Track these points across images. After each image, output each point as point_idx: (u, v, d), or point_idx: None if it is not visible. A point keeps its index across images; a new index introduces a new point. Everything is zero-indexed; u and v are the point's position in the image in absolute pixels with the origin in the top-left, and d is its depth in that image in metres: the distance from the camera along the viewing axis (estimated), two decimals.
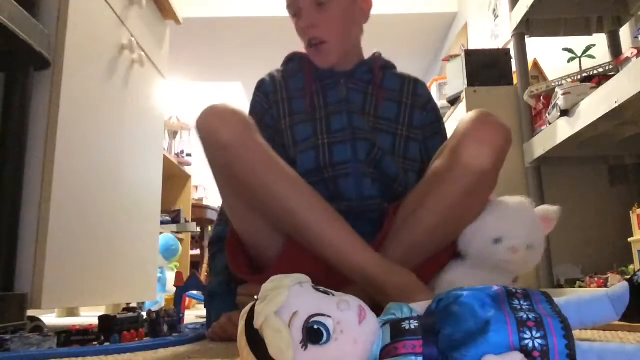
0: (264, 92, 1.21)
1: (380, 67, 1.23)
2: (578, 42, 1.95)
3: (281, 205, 0.91)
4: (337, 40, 1.15)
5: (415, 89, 1.23)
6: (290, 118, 1.16)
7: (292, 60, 1.27)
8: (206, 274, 3.49)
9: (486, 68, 2.12)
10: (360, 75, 1.20)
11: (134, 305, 1.82)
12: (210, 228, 4.33)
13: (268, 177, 0.91)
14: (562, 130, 1.61)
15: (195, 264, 4.16)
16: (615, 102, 1.28)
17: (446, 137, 1.22)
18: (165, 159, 2.48)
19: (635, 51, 1.44)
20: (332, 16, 1.13)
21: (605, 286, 1.48)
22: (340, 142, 1.10)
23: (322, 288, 0.51)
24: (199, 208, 3.89)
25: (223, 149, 0.91)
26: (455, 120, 2.17)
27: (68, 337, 1.02)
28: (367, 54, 1.27)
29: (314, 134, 1.13)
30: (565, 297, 0.52)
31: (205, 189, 5.73)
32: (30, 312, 1.18)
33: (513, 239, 0.91)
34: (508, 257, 0.91)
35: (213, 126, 0.92)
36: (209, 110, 0.94)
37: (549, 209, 0.96)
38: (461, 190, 0.91)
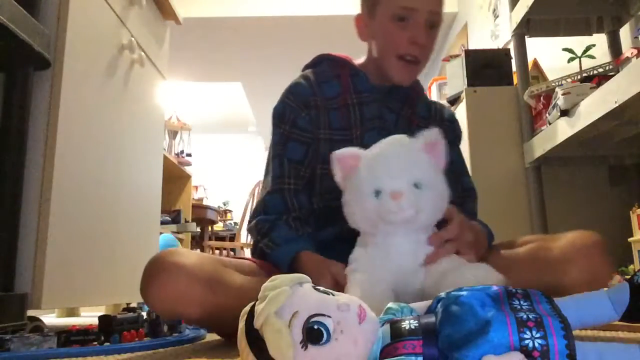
0: (298, 95, 1.14)
1: (418, 93, 1.22)
2: (578, 42, 1.95)
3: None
4: (425, 64, 1.12)
5: (442, 114, 1.23)
6: (329, 130, 1.12)
7: (322, 62, 1.21)
8: None
9: (486, 68, 2.12)
10: (397, 95, 1.16)
11: (134, 305, 1.82)
12: (210, 228, 4.33)
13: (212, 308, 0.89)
14: (562, 130, 1.61)
15: None
16: (615, 102, 1.28)
17: (460, 152, 1.23)
18: (165, 159, 2.48)
19: (635, 51, 1.44)
20: (433, 41, 1.10)
21: (606, 286, 1.47)
22: None
23: (322, 288, 0.51)
24: (199, 208, 3.89)
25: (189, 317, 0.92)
26: None
27: (68, 337, 1.02)
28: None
29: None
30: (565, 297, 0.52)
31: (205, 189, 5.74)
32: (30, 312, 1.18)
33: (390, 183, 0.77)
34: (393, 206, 0.75)
35: (154, 296, 0.88)
36: (150, 274, 0.88)
37: (426, 132, 0.83)
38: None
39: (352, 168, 0.83)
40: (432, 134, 0.82)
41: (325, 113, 1.12)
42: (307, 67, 1.23)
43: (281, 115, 1.14)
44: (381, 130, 1.10)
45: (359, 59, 1.19)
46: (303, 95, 1.13)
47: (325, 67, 1.19)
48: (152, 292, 0.87)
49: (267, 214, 1.08)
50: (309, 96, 1.13)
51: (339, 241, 0.91)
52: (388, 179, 0.77)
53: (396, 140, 0.84)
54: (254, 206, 1.15)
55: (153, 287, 0.86)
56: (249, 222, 1.13)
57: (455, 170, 1.17)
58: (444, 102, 2.55)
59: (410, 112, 1.17)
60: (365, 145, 1.02)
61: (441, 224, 0.86)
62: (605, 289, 0.53)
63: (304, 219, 1.08)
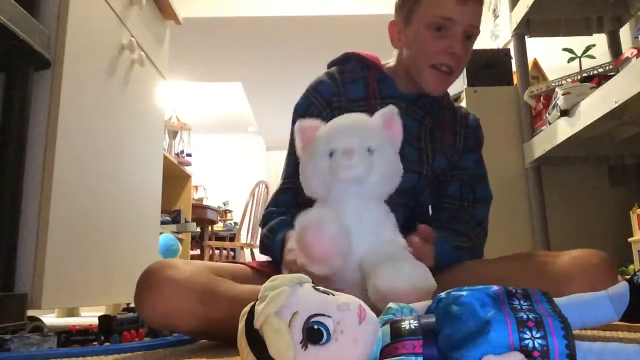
0: (322, 94, 1.12)
1: (446, 103, 1.18)
2: (578, 42, 1.95)
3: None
4: (458, 75, 1.10)
5: (467, 119, 1.20)
6: None
7: (349, 61, 1.17)
8: None
9: (486, 68, 2.12)
10: (422, 104, 1.13)
11: (134, 305, 1.82)
12: (210, 228, 4.33)
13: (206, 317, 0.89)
14: (562, 130, 1.61)
15: None
16: (615, 102, 1.28)
17: (481, 160, 1.20)
18: (165, 159, 2.48)
19: (635, 51, 1.44)
20: (468, 53, 1.08)
21: None
22: None
23: (322, 288, 0.51)
24: (199, 208, 3.89)
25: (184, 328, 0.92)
26: None
27: (68, 337, 1.02)
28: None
29: None
30: (565, 297, 0.52)
31: (205, 189, 5.74)
32: (30, 312, 1.18)
33: (343, 143, 0.81)
34: (344, 162, 0.79)
35: (147, 309, 0.88)
36: (143, 286, 0.88)
37: (383, 110, 0.88)
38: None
39: (310, 137, 0.88)
40: (388, 110, 0.87)
41: (348, 112, 1.10)
42: (333, 63, 1.19)
43: (304, 112, 1.11)
44: (403, 141, 1.09)
45: (388, 62, 1.16)
46: (327, 94, 1.11)
47: (353, 66, 1.16)
48: (145, 305, 0.87)
49: (278, 207, 1.09)
50: (333, 96, 1.11)
51: None
52: (341, 139, 0.82)
53: (355, 114, 0.90)
54: (268, 202, 1.16)
55: (146, 300, 0.87)
56: (262, 218, 1.13)
57: (468, 177, 1.15)
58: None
59: (433, 120, 1.14)
60: None
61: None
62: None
63: None
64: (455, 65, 1.05)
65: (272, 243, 1.02)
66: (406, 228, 0.92)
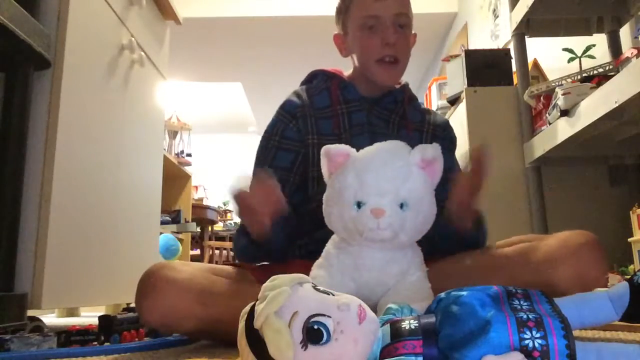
0: (287, 110, 1.18)
1: (408, 100, 1.23)
2: (578, 42, 1.95)
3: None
4: (405, 62, 1.15)
5: (435, 120, 1.24)
6: (318, 137, 1.15)
7: (316, 77, 1.25)
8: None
9: (486, 68, 2.12)
10: (385, 104, 1.19)
11: (134, 305, 1.82)
12: (210, 228, 4.33)
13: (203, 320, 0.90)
14: (562, 130, 1.61)
15: None
16: (615, 102, 1.28)
17: (454, 157, 1.21)
18: (165, 159, 2.48)
19: (635, 51, 1.44)
20: (407, 39, 1.14)
21: (605, 286, 1.47)
22: None
23: (322, 288, 0.51)
24: (199, 208, 3.88)
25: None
26: (454, 120, 2.17)
27: (68, 337, 1.02)
28: None
29: None
30: (565, 297, 0.52)
31: (205, 189, 5.74)
32: (30, 312, 1.18)
33: (374, 198, 0.71)
34: (372, 223, 0.70)
35: (146, 311, 0.89)
36: (143, 288, 0.90)
37: (426, 148, 0.75)
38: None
39: (340, 165, 0.79)
40: (432, 150, 0.76)
41: (315, 121, 1.16)
42: (302, 83, 1.27)
43: (271, 129, 1.18)
44: (371, 134, 1.13)
45: (348, 72, 1.23)
46: (292, 108, 1.18)
47: (318, 80, 1.23)
48: (144, 306, 0.88)
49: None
50: (297, 108, 1.17)
51: None
52: (372, 193, 0.71)
53: (392, 149, 0.77)
54: (236, 230, 1.16)
55: (145, 302, 0.88)
56: (233, 246, 1.15)
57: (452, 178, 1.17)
58: (444, 102, 2.55)
59: (399, 119, 1.19)
60: (355, 146, 1.02)
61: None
62: (605, 289, 0.53)
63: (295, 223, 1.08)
64: (396, 53, 1.12)
65: (238, 233, 1.04)
66: None
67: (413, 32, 1.18)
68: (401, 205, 0.71)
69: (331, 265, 0.78)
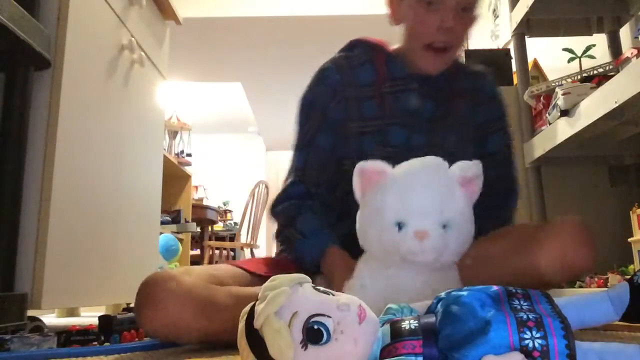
0: (329, 84, 1.08)
1: (457, 71, 1.13)
2: (578, 42, 1.95)
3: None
4: (456, 50, 1.05)
5: (483, 88, 1.16)
6: (360, 123, 1.06)
7: (357, 46, 1.13)
8: None
9: (486, 68, 2.12)
10: (436, 82, 1.08)
11: (134, 305, 1.82)
12: (210, 228, 4.33)
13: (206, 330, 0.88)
14: (562, 130, 1.61)
15: (195, 264, 4.16)
16: (615, 102, 1.28)
17: (509, 134, 1.16)
18: (165, 159, 2.48)
19: (635, 51, 1.44)
20: (466, 25, 1.02)
21: (605, 286, 1.48)
22: (391, 158, 0.93)
23: (322, 288, 0.51)
24: (199, 208, 3.89)
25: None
26: None
27: (68, 337, 1.02)
28: None
29: (375, 145, 1.05)
30: (565, 297, 0.52)
31: (205, 189, 5.74)
32: (30, 312, 1.18)
33: (417, 220, 0.67)
34: (416, 247, 0.67)
35: (147, 323, 0.87)
36: (142, 300, 0.87)
37: (466, 165, 0.72)
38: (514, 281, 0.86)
39: (375, 184, 0.74)
40: (472, 168, 0.72)
41: (358, 103, 1.06)
42: (341, 51, 1.15)
43: (310, 105, 1.09)
44: (411, 128, 1.06)
45: (394, 45, 1.11)
46: (332, 82, 1.08)
47: (359, 51, 1.12)
48: (144, 317, 0.86)
49: (290, 200, 1.07)
50: (338, 85, 1.07)
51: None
52: (415, 215, 0.68)
53: (431, 167, 0.72)
54: (276, 195, 1.12)
55: (145, 312, 0.86)
56: (272, 208, 1.10)
57: (500, 159, 1.13)
58: None
59: (449, 93, 1.10)
60: (390, 142, 0.97)
61: None
62: (605, 288, 0.53)
63: (326, 206, 1.06)
64: (451, 40, 1.00)
65: (302, 247, 1.01)
66: None
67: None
68: (445, 227, 0.68)
69: (364, 287, 0.75)
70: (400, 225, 0.68)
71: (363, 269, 0.77)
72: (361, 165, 0.75)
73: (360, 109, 1.06)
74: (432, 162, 0.73)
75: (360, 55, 1.11)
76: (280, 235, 1.08)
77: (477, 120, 1.13)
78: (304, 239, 1.00)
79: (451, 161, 1.09)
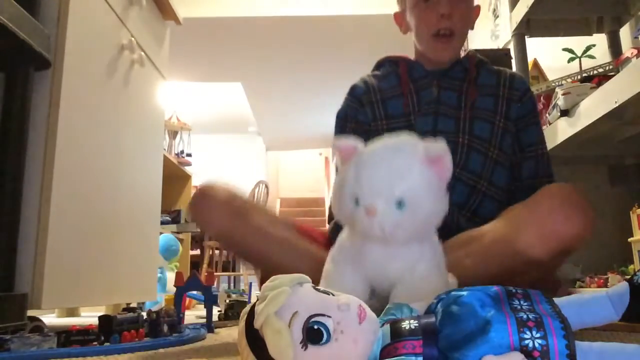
0: (355, 95, 1.21)
1: (475, 64, 1.20)
2: (578, 42, 1.95)
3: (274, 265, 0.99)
4: (462, 35, 1.14)
5: (512, 82, 1.18)
6: (387, 121, 1.15)
7: (383, 65, 1.26)
8: (206, 274, 3.50)
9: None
10: (454, 74, 1.17)
11: (134, 305, 1.82)
12: None
13: (263, 252, 1.01)
14: (562, 130, 1.61)
15: (196, 264, 4.16)
16: (615, 102, 1.28)
17: (540, 127, 1.19)
18: (165, 159, 2.48)
19: (635, 51, 1.44)
20: (465, 10, 1.12)
21: (605, 286, 1.48)
22: None
23: (322, 288, 0.51)
24: None
25: (215, 237, 1.09)
26: None
27: (68, 337, 1.02)
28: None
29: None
30: (565, 297, 0.52)
31: None
32: (30, 312, 1.18)
33: (368, 196, 0.67)
34: (366, 221, 0.67)
35: (204, 218, 1.03)
36: (200, 199, 1.04)
37: (430, 144, 0.69)
38: (502, 271, 0.82)
39: (347, 160, 0.75)
40: (436, 147, 0.70)
41: (382, 105, 1.16)
42: (372, 70, 1.29)
43: (343, 115, 1.21)
44: (437, 115, 1.12)
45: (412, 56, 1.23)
46: (359, 93, 1.20)
47: (385, 67, 1.24)
48: (193, 215, 1.04)
49: None
50: (363, 94, 1.19)
51: None
52: (367, 191, 0.68)
53: (395, 144, 0.72)
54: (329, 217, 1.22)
55: (193, 211, 1.03)
56: (331, 233, 1.10)
57: (540, 154, 1.16)
58: None
59: (470, 86, 1.15)
60: (417, 130, 1.02)
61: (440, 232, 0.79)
62: (605, 289, 0.53)
63: None
64: (452, 25, 1.10)
65: None
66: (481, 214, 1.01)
67: (475, 4, 1.16)
68: (399, 204, 0.67)
69: (339, 258, 0.77)
70: (356, 201, 0.69)
71: (343, 237, 0.78)
72: (336, 142, 0.76)
73: (385, 108, 1.16)
74: (396, 140, 0.72)
75: (385, 71, 1.24)
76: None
77: (510, 116, 1.16)
78: None
79: (485, 151, 1.12)
